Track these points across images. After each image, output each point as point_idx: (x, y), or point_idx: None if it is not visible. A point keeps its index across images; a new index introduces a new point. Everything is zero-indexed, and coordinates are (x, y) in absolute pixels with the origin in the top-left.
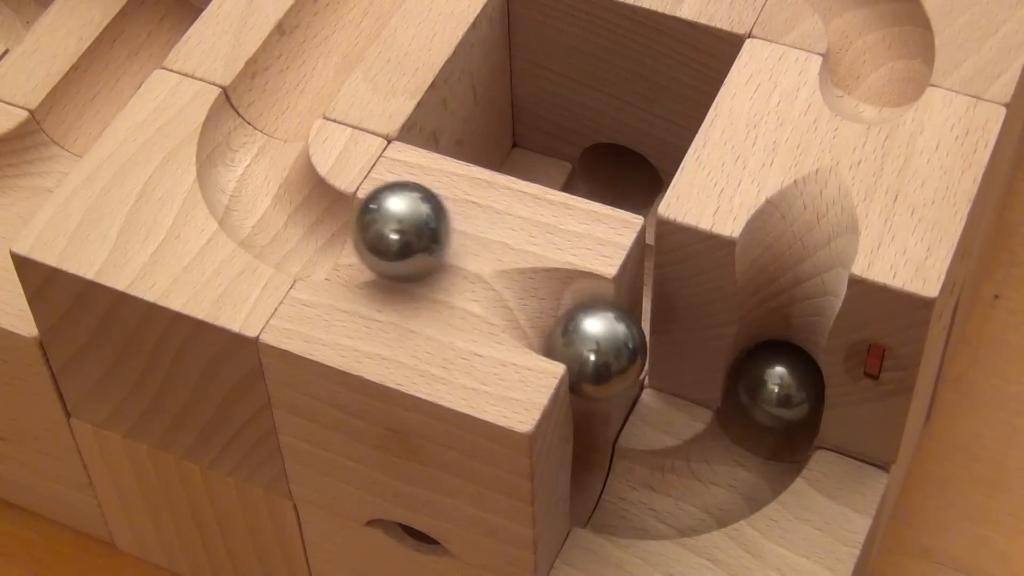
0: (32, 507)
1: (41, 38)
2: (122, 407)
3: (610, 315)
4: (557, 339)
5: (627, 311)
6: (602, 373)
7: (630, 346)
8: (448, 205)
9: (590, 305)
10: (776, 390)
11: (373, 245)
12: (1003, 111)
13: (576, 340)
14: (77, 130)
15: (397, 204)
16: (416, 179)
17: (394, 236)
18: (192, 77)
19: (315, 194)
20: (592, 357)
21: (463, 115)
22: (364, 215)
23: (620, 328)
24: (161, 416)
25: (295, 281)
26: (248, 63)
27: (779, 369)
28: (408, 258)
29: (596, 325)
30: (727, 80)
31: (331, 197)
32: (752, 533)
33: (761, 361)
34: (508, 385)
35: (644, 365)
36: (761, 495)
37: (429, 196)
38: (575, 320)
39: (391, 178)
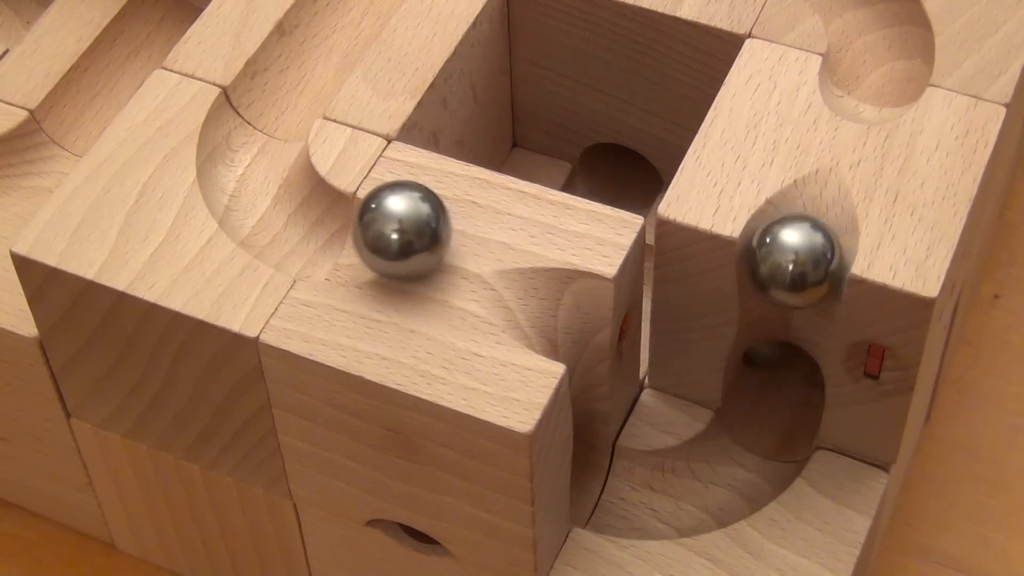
0: (32, 507)
1: (41, 38)
2: (122, 407)
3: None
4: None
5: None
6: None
7: None
8: (447, 204)
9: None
10: (791, 267)
11: (373, 244)
12: (1003, 111)
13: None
14: (77, 130)
15: (397, 203)
16: (416, 178)
17: (395, 236)
18: (192, 77)
19: (315, 194)
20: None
21: (463, 115)
22: (364, 215)
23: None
24: (161, 416)
25: (295, 281)
26: (248, 63)
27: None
28: (408, 258)
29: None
30: (727, 80)
31: (331, 197)
32: (752, 533)
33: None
34: (508, 385)
35: None
36: (761, 495)
37: (429, 195)
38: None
39: (391, 178)
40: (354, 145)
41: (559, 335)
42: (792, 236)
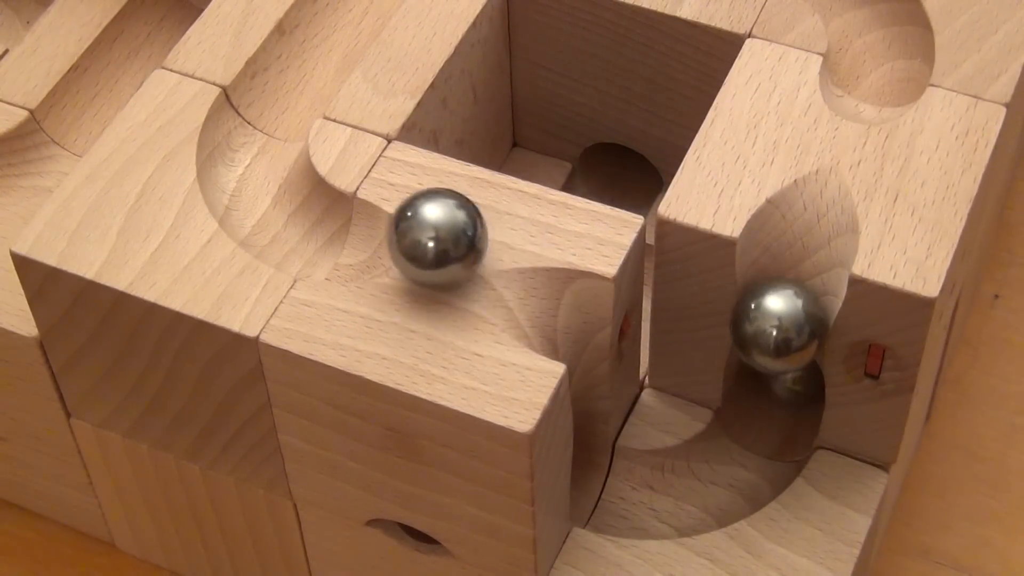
0: (32, 507)
1: (41, 38)
2: (122, 407)
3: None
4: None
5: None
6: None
7: None
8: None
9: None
10: (774, 333)
11: (409, 253)
12: (1003, 111)
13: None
14: (77, 130)
15: (433, 211)
16: (417, 179)
17: (431, 244)
18: (192, 77)
19: (315, 194)
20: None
21: (463, 115)
22: (400, 223)
23: None
24: (161, 416)
25: (295, 281)
26: (248, 63)
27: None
28: (444, 267)
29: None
30: (727, 80)
31: (331, 197)
32: (752, 533)
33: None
34: (508, 385)
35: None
36: (761, 495)
37: (465, 203)
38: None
39: (392, 178)
40: (354, 145)
41: (559, 335)
42: (776, 303)
